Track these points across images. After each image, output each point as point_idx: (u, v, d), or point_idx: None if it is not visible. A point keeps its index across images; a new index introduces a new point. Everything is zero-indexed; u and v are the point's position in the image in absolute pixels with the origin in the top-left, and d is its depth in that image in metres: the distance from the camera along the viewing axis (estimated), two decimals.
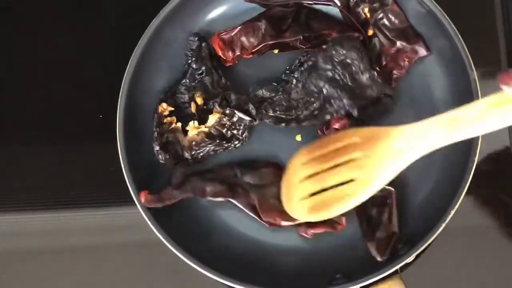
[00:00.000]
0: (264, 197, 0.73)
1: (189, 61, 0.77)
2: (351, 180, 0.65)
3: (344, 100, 0.74)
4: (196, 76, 0.76)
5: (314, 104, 0.75)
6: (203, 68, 0.76)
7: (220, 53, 0.76)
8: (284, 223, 0.73)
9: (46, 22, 0.87)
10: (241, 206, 0.74)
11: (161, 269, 0.78)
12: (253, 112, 0.75)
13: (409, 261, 0.68)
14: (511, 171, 0.80)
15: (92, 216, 0.81)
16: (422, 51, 0.76)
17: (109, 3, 0.87)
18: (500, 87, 0.56)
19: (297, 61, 0.77)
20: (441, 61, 0.76)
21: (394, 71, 0.76)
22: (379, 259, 0.71)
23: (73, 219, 0.81)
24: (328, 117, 0.75)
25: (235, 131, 0.76)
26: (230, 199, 0.74)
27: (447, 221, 0.68)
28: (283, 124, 0.75)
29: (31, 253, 0.80)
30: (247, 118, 0.75)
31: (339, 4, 0.77)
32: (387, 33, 0.76)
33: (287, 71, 0.77)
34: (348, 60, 0.75)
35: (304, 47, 0.76)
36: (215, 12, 0.80)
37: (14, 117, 0.84)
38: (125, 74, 0.74)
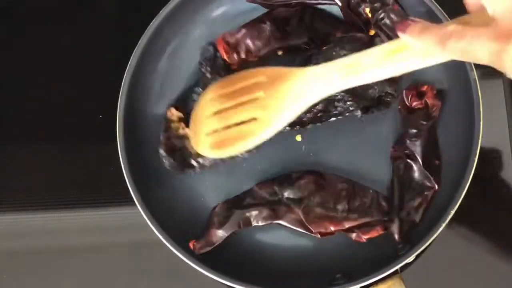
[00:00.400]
0: (309, 209, 0.73)
1: (203, 69, 0.76)
2: (254, 119, 0.66)
3: (348, 102, 0.74)
4: (209, 85, 0.75)
5: (317, 107, 0.74)
6: (217, 77, 0.75)
7: (225, 56, 0.76)
8: (336, 229, 0.72)
9: (46, 22, 0.87)
10: (288, 225, 0.73)
11: (161, 269, 0.78)
12: None
13: (409, 261, 0.68)
14: (511, 171, 0.80)
15: (92, 216, 0.81)
16: None
17: (109, 3, 0.88)
18: (397, 35, 0.57)
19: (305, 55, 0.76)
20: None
21: None
22: (396, 237, 0.71)
23: (73, 219, 0.81)
24: (333, 119, 0.74)
25: None
26: (276, 221, 0.73)
27: (447, 221, 0.68)
28: (288, 128, 0.75)
29: (31, 253, 0.80)
30: None
31: (340, 4, 0.77)
32: (388, 32, 0.76)
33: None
34: None
35: (308, 47, 0.76)
36: (216, 12, 0.80)
37: (14, 117, 0.84)
38: (125, 74, 0.74)
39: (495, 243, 0.77)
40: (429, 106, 0.74)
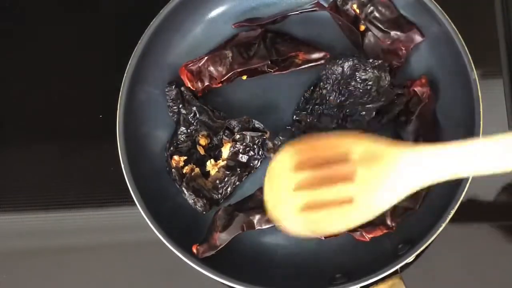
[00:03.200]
0: None
1: (176, 110, 0.76)
2: (349, 199, 0.59)
3: (360, 117, 0.73)
4: (191, 119, 0.75)
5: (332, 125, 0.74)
6: (194, 109, 0.75)
7: (189, 84, 0.76)
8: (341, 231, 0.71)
9: (46, 22, 0.87)
10: None
11: (161, 269, 0.78)
12: (260, 125, 0.74)
13: (409, 261, 0.68)
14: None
15: (92, 216, 0.81)
16: (417, 38, 0.75)
17: (109, 3, 0.88)
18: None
19: (302, 98, 0.76)
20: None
21: (394, 62, 0.76)
22: (388, 222, 0.71)
23: (73, 219, 0.81)
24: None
25: (250, 153, 0.75)
26: None
27: (447, 221, 0.68)
28: None
29: (31, 253, 0.80)
30: (258, 133, 0.74)
31: (326, 5, 0.77)
32: (379, 25, 0.76)
33: (297, 111, 0.75)
34: (351, 81, 0.73)
35: (272, 71, 0.76)
36: (216, 11, 0.80)
37: (14, 117, 0.84)
38: (125, 74, 0.74)
39: (495, 243, 0.77)
40: (418, 94, 0.74)
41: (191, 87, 0.76)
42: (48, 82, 0.85)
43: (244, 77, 0.77)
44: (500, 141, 0.55)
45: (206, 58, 0.76)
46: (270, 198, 0.63)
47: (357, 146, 0.59)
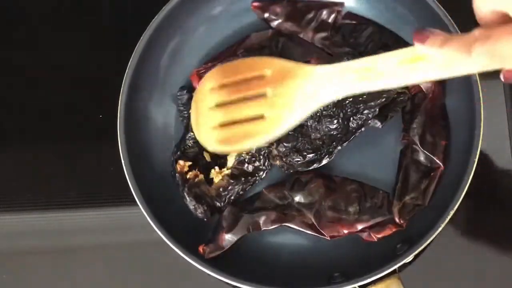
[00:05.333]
0: (320, 213, 0.73)
1: (186, 115, 0.76)
2: (261, 117, 0.63)
3: (365, 111, 0.73)
4: None
5: (339, 135, 0.73)
6: None
7: None
8: (349, 231, 0.72)
9: (46, 22, 0.87)
10: (298, 228, 0.73)
11: (161, 269, 0.78)
12: None
13: (407, 261, 0.68)
14: (511, 171, 0.80)
15: (92, 216, 0.81)
16: None
17: (109, 3, 0.88)
18: (414, 43, 0.55)
19: None
20: None
21: None
22: (397, 220, 0.71)
23: (73, 219, 0.81)
24: (357, 133, 0.73)
25: (256, 163, 0.75)
26: (285, 224, 0.73)
27: (446, 221, 0.67)
28: (316, 165, 0.74)
29: (31, 253, 0.80)
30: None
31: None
32: None
33: None
34: None
35: None
36: (217, 10, 0.80)
37: (14, 117, 0.85)
38: (125, 74, 0.74)
39: (494, 244, 0.77)
40: (422, 89, 0.74)
41: None
42: (48, 82, 0.85)
43: None
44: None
45: (217, 63, 0.75)
46: (194, 117, 0.67)
47: (271, 65, 0.63)
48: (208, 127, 0.65)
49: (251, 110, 0.63)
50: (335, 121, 0.73)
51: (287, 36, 0.78)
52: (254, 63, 0.65)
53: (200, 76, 0.76)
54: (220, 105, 0.65)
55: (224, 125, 0.64)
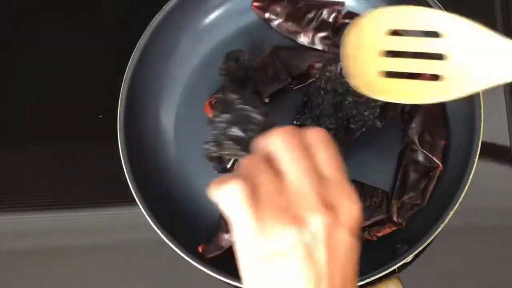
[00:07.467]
0: None
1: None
2: (438, 76, 0.59)
3: (365, 112, 0.72)
4: None
5: (339, 135, 0.73)
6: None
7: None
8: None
9: (46, 22, 0.87)
10: None
11: (161, 269, 0.78)
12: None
13: (407, 261, 0.68)
14: (511, 171, 0.80)
15: (92, 216, 0.81)
16: None
17: (109, 3, 0.88)
18: None
19: (301, 102, 0.75)
20: None
21: None
22: (395, 219, 0.71)
23: (73, 219, 0.81)
24: (357, 133, 0.73)
25: None
26: None
27: (446, 221, 0.67)
28: None
29: (31, 253, 0.80)
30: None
31: None
32: None
33: (297, 115, 0.75)
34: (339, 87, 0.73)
35: (292, 86, 0.76)
36: (217, 9, 0.80)
37: (13, 117, 0.85)
38: (125, 74, 0.74)
39: (494, 244, 0.77)
40: None
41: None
42: (48, 82, 0.85)
43: (266, 100, 0.76)
44: None
45: None
46: (349, 57, 0.61)
47: (456, 26, 0.58)
48: (372, 73, 0.61)
49: (429, 68, 0.59)
50: (334, 121, 0.73)
51: (284, 49, 0.78)
52: (434, 17, 0.59)
53: (213, 107, 0.75)
54: (389, 53, 0.60)
55: (392, 75, 0.60)
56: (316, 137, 0.50)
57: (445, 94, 0.59)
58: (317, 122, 0.73)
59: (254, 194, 0.47)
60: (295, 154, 0.48)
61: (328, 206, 0.46)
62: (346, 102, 0.72)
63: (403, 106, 0.75)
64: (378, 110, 0.72)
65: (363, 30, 0.60)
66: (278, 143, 0.49)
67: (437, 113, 0.74)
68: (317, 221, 0.45)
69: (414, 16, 0.59)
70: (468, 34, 0.57)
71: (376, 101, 0.72)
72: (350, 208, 0.47)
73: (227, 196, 0.47)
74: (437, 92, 0.59)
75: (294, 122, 0.75)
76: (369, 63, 0.60)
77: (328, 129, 0.73)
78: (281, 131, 0.49)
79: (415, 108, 0.74)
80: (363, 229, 0.72)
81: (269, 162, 0.48)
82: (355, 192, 0.48)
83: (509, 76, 0.56)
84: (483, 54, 0.57)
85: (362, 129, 0.72)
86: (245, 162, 0.49)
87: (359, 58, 0.61)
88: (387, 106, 0.73)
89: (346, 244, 0.46)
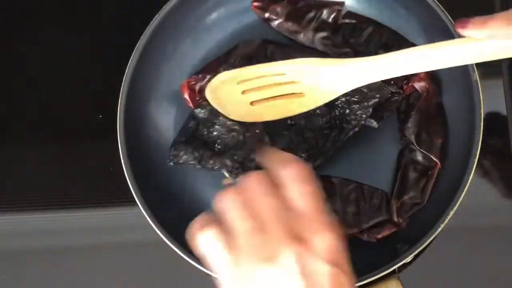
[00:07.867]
0: None
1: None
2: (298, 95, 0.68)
3: (358, 112, 0.72)
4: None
5: (333, 133, 0.73)
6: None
7: (190, 104, 0.75)
8: (349, 232, 0.72)
9: (46, 22, 0.87)
10: None
11: (161, 269, 0.78)
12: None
13: (407, 261, 0.68)
14: (511, 171, 0.80)
15: (92, 216, 0.81)
16: None
17: (109, 3, 0.88)
18: (457, 32, 0.59)
19: None
20: None
21: None
22: (395, 219, 0.71)
23: (73, 219, 0.81)
24: (350, 133, 0.73)
25: None
26: None
27: (446, 221, 0.67)
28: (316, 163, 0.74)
29: (31, 253, 0.80)
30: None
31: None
32: None
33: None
34: None
35: None
36: (216, 10, 0.80)
37: (13, 117, 0.85)
38: (125, 74, 0.74)
39: (494, 244, 0.77)
40: (417, 89, 0.74)
41: (192, 106, 0.75)
42: (48, 82, 0.85)
43: None
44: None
45: (209, 77, 0.75)
46: (218, 104, 0.70)
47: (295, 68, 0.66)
48: (243, 106, 0.68)
49: (285, 90, 0.67)
50: (325, 119, 0.73)
51: (274, 44, 0.78)
52: (281, 69, 0.67)
53: (190, 88, 0.75)
54: (248, 91, 0.68)
55: (256, 102, 0.68)
56: (290, 174, 0.52)
57: (305, 106, 0.69)
58: (309, 120, 0.73)
59: (228, 237, 0.50)
60: (262, 196, 0.51)
61: (297, 238, 0.48)
62: (339, 101, 0.72)
63: (398, 105, 0.75)
64: (371, 110, 0.72)
65: (218, 88, 0.69)
66: (249, 186, 0.52)
67: (433, 112, 0.74)
68: (287, 254, 0.47)
69: (255, 73, 0.67)
70: (306, 69, 0.66)
71: (368, 100, 0.72)
72: (322, 237, 0.49)
73: (203, 243, 0.52)
74: (299, 105, 0.69)
75: (288, 121, 0.74)
76: (236, 102, 0.69)
77: (322, 128, 0.73)
78: (252, 175, 0.52)
79: (410, 108, 0.74)
80: (363, 231, 0.72)
81: (244, 202, 0.51)
82: (331, 222, 0.51)
83: (345, 87, 0.67)
84: (320, 77, 0.66)
85: (355, 129, 0.72)
86: (220, 204, 0.52)
87: (227, 103, 0.70)
88: (382, 106, 0.73)
89: (323, 274, 0.48)
